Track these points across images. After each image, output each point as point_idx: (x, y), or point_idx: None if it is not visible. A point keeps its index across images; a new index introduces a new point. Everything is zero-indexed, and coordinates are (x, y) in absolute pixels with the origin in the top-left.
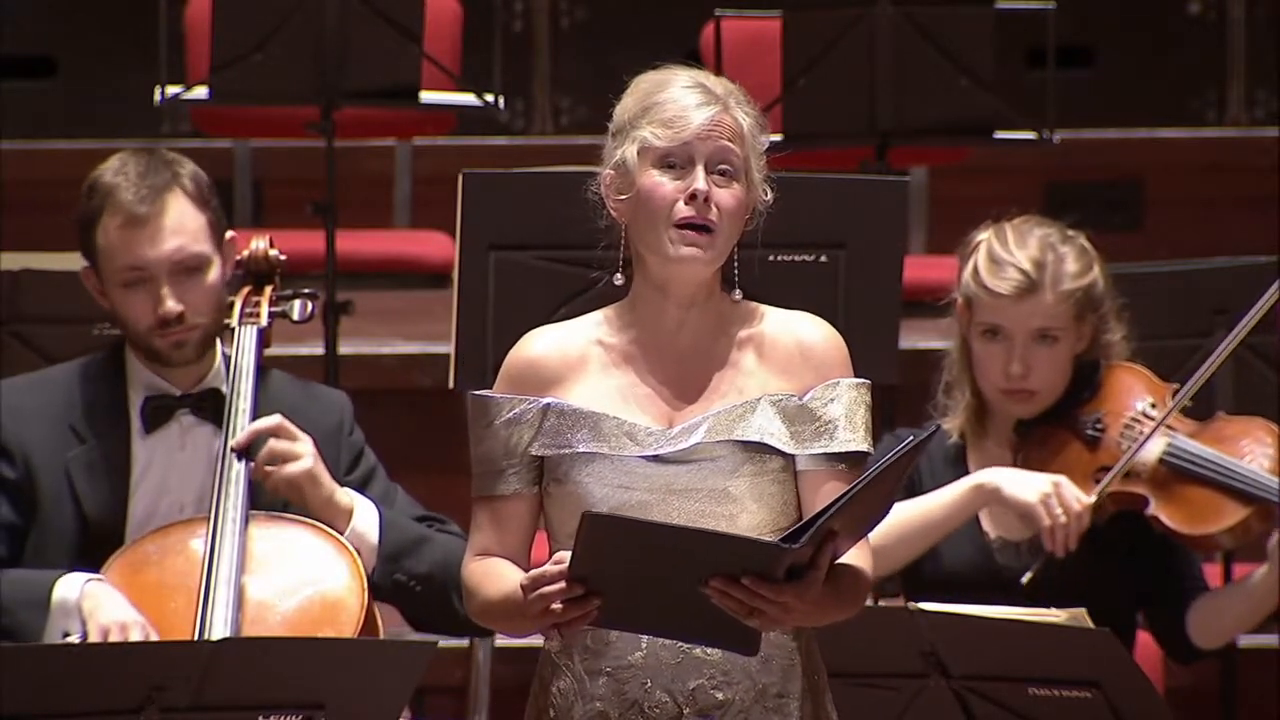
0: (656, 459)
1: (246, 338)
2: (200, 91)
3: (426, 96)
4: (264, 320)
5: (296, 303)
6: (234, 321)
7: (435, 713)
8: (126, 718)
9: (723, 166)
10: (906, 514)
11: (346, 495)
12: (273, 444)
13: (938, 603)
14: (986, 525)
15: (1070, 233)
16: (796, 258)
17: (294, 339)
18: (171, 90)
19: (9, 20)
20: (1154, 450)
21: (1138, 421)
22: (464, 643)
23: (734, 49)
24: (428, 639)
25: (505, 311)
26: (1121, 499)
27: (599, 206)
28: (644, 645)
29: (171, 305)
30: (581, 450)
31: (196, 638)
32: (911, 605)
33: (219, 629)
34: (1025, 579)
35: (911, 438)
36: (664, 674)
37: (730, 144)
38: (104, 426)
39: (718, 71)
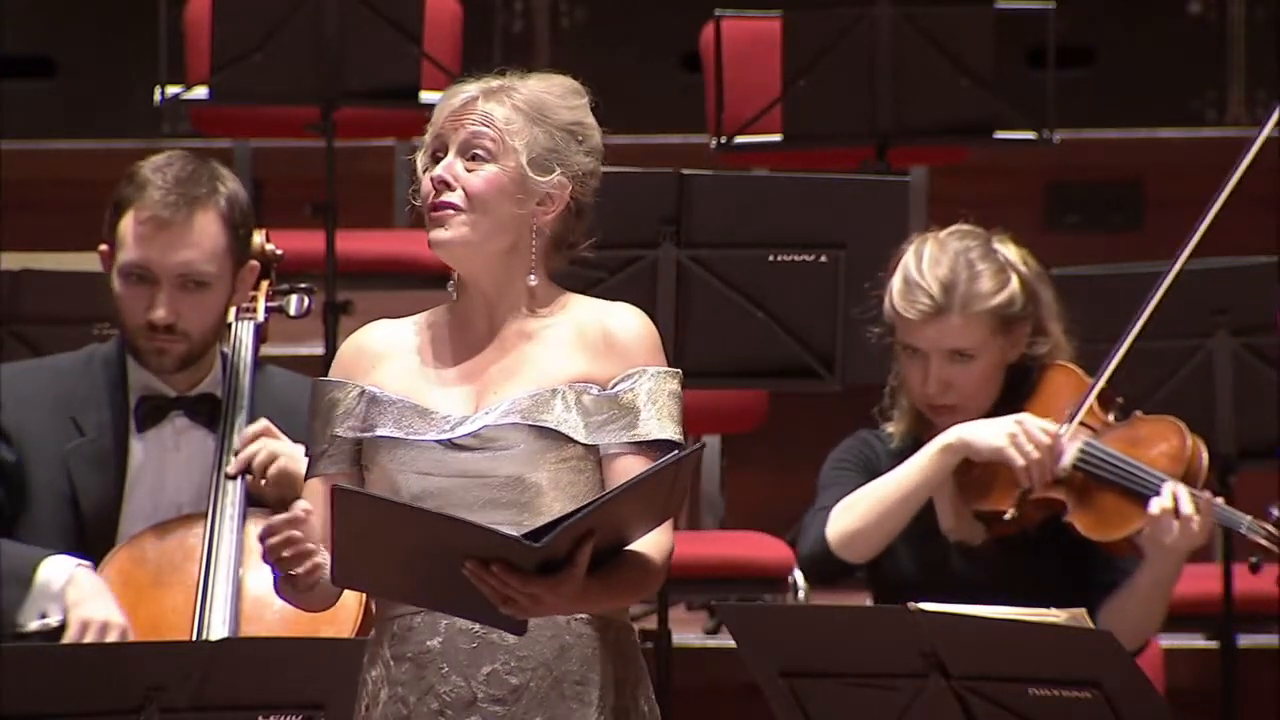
0: (453, 445)
1: (243, 333)
2: (200, 91)
3: (426, 96)
4: (260, 315)
5: (293, 298)
6: (230, 317)
7: None
8: (126, 718)
9: (473, 150)
10: (880, 491)
11: None
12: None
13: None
14: (945, 528)
15: (995, 245)
16: (796, 258)
17: (294, 339)
18: (171, 90)
19: (9, 20)
20: (1070, 455)
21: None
22: None
23: (734, 49)
24: None
25: None
26: (1044, 505)
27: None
28: (442, 631)
29: (162, 314)
30: (381, 434)
31: (195, 635)
32: (911, 605)
33: (218, 626)
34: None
35: (675, 453)
36: (459, 659)
37: (483, 128)
38: (104, 421)
39: (718, 71)
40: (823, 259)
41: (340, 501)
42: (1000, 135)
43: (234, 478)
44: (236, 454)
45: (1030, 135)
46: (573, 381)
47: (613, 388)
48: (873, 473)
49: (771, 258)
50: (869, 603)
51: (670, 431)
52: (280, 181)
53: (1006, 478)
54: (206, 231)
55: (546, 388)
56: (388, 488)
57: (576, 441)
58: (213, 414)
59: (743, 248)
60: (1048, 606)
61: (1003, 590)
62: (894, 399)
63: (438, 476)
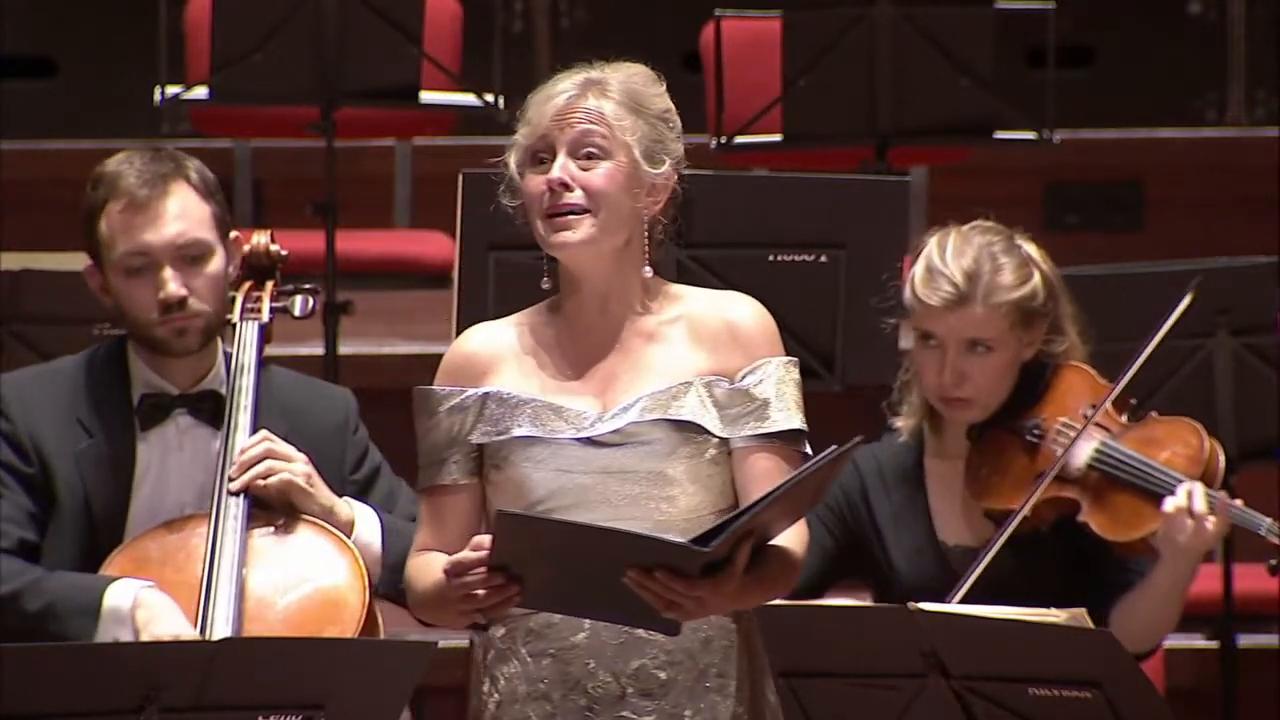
0: (592, 442)
1: (248, 333)
2: (200, 91)
3: (426, 96)
4: (265, 315)
5: (298, 298)
6: (235, 317)
7: (435, 713)
8: (126, 718)
9: (586, 149)
10: None
11: (347, 507)
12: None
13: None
14: (942, 534)
15: (1018, 240)
16: (796, 258)
17: (294, 339)
18: (171, 90)
19: (9, 20)
20: (1084, 455)
21: (1069, 426)
22: (464, 642)
23: (734, 49)
24: (428, 639)
25: (505, 311)
26: (1058, 505)
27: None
28: (586, 626)
29: (174, 288)
30: (519, 435)
31: (199, 635)
32: (911, 605)
33: (220, 626)
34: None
35: (834, 448)
36: (607, 654)
37: (593, 125)
38: (109, 422)
39: (718, 71)
40: (823, 259)
41: (502, 525)
42: (1000, 135)
43: (237, 495)
44: (235, 464)
45: (1030, 135)
46: (701, 377)
47: (741, 380)
48: (847, 521)
49: (771, 258)
50: (869, 603)
51: (797, 421)
52: (280, 181)
53: (1018, 474)
54: (186, 202)
55: (676, 382)
56: (517, 487)
57: (712, 434)
58: (216, 411)
59: (743, 248)
60: (1049, 607)
61: (1005, 591)
62: (904, 394)
63: (577, 474)
